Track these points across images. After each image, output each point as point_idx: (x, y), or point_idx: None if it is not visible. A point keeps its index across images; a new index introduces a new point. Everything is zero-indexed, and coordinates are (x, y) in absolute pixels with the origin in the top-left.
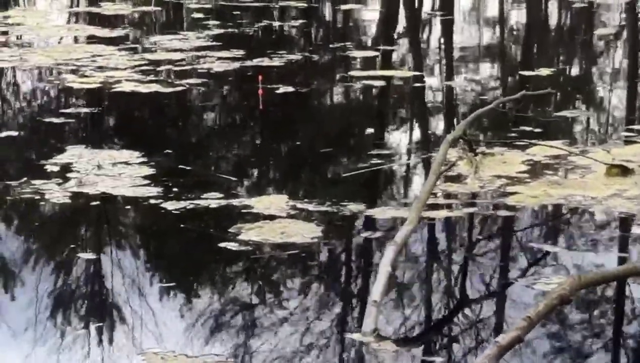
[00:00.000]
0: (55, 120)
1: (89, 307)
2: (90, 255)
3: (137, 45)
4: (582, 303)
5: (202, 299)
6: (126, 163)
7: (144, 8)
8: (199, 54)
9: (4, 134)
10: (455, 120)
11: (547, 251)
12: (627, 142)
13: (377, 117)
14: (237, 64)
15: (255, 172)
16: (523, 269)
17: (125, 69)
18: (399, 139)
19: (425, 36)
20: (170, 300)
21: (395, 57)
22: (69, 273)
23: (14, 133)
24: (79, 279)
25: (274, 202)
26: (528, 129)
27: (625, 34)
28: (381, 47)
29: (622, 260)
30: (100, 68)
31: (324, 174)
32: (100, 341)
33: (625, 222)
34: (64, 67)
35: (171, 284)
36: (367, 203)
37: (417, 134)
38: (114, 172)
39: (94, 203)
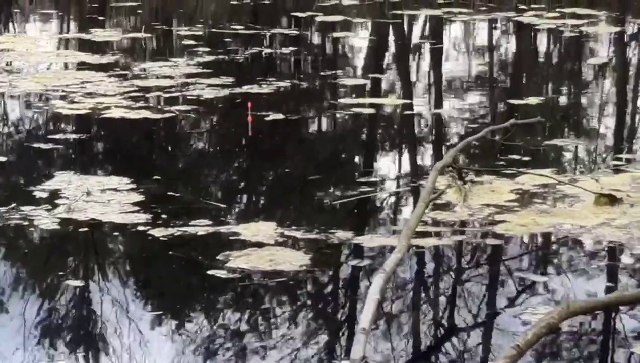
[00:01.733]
0: (44, 146)
1: (75, 334)
2: (78, 282)
3: (127, 72)
4: (570, 332)
5: (189, 327)
6: (115, 189)
7: (134, 35)
8: (189, 80)
9: None
10: (444, 148)
11: (535, 280)
12: (616, 171)
13: (366, 145)
14: (226, 91)
15: (244, 199)
16: (511, 298)
17: (114, 95)
18: (387, 166)
19: (414, 64)
20: (157, 328)
21: (384, 85)
22: (56, 301)
23: (3, 159)
24: (66, 306)
25: (262, 230)
26: (517, 157)
27: (614, 63)
28: (371, 75)
29: (610, 289)
30: (90, 94)
31: (312, 201)
32: None
33: (614, 251)
34: (53, 93)
35: (159, 312)
36: (356, 231)
37: (406, 161)
38: (103, 198)
39: (83, 229)
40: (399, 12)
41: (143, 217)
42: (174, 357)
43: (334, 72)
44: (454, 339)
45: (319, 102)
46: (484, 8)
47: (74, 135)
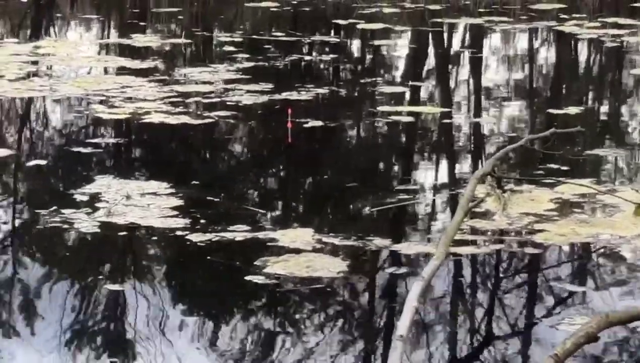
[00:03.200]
0: (84, 150)
1: (113, 338)
2: (117, 286)
3: (167, 77)
4: (609, 342)
5: (226, 332)
6: (155, 194)
7: (174, 40)
8: (228, 86)
9: (34, 162)
10: (483, 156)
11: (574, 290)
12: None
13: (404, 153)
14: (265, 97)
15: (282, 205)
16: (549, 308)
17: (154, 100)
18: (426, 174)
19: (454, 73)
20: (194, 333)
21: (423, 93)
22: (95, 304)
23: (44, 162)
24: (105, 310)
25: (299, 236)
26: (556, 166)
27: None
28: (410, 83)
29: None
30: (130, 99)
31: (350, 208)
32: None
33: None
34: (93, 97)
35: (196, 316)
36: (393, 239)
37: (444, 170)
38: (142, 202)
39: (122, 233)
40: (439, 20)
41: (182, 222)
42: (211, 362)
43: (373, 79)
44: (491, 348)
45: (358, 110)
46: (524, 17)
47: (113, 140)
